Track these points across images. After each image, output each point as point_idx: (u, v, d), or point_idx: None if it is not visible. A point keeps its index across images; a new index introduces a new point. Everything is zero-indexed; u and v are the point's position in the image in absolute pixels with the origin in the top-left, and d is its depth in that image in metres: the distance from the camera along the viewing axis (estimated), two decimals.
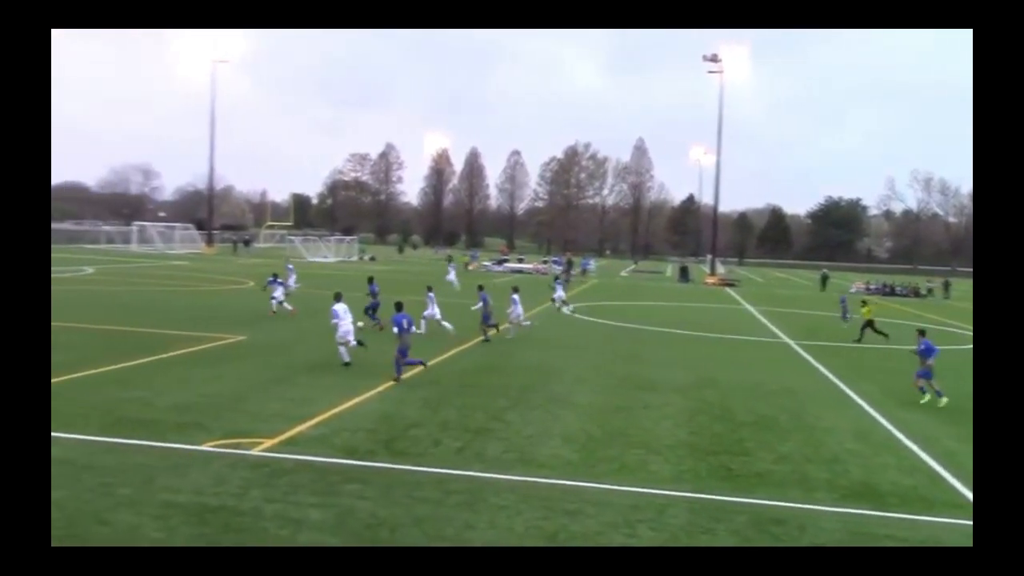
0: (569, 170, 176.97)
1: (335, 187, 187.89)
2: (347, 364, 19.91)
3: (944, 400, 18.55)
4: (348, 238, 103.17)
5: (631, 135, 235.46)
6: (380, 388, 17.52)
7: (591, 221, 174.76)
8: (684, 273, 78.36)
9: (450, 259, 49.52)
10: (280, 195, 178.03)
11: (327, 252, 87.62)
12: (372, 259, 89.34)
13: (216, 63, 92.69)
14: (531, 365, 21.76)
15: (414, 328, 20.22)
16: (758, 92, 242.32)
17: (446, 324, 27.02)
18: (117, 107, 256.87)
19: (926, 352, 19.07)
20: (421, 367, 19.41)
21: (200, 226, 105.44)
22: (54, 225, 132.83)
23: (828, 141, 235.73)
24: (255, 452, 12.23)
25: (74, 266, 54.49)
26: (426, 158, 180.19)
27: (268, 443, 12.73)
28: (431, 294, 28.75)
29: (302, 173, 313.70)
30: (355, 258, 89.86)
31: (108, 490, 10.18)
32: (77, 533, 8.75)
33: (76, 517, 9.21)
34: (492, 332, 26.46)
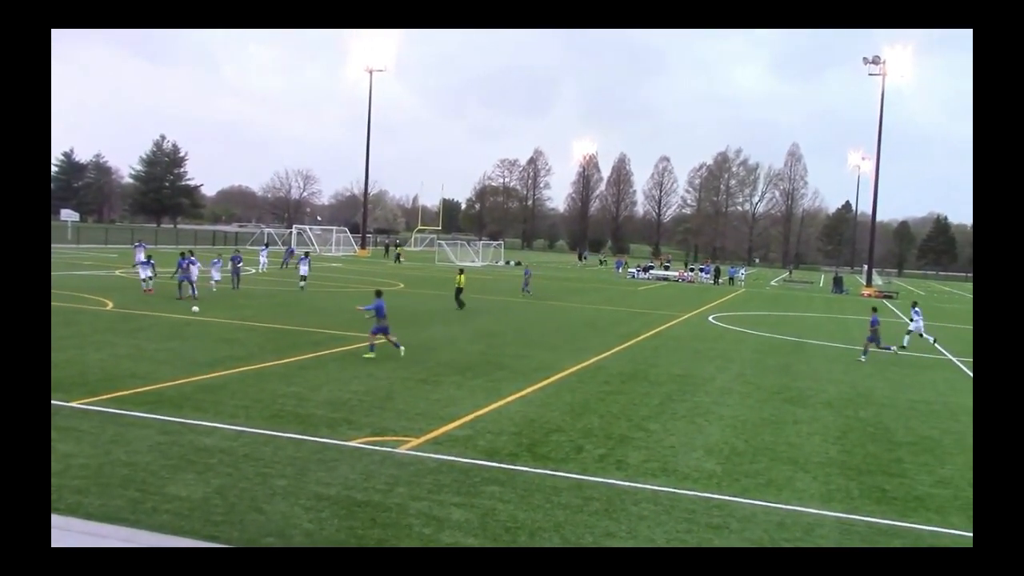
0: (719, 177, 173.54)
1: (484, 192, 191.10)
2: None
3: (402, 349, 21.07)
4: (495, 243, 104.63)
5: (785, 140, 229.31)
6: (524, 392, 17.68)
7: (740, 229, 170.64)
8: (838, 284, 75.38)
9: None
10: (431, 200, 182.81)
11: (475, 257, 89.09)
12: (518, 264, 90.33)
13: (373, 72, 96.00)
14: (676, 374, 21.47)
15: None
16: (924, 95, 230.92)
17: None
18: (283, 114, 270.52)
19: (377, 310, 21.46)
20: None
21: (355, 229, 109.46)
22: (219, 227, 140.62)
23: None
24: (402, 450, 12.58)
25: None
26: (574, 164, 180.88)
27: (414, 442, 13.07)
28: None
29: (453, 178, 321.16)
30: (501, 263, 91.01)
31: (265, 480, 10.70)
32: (234, 520, 9.25)
33: (235, 504, 9.73)
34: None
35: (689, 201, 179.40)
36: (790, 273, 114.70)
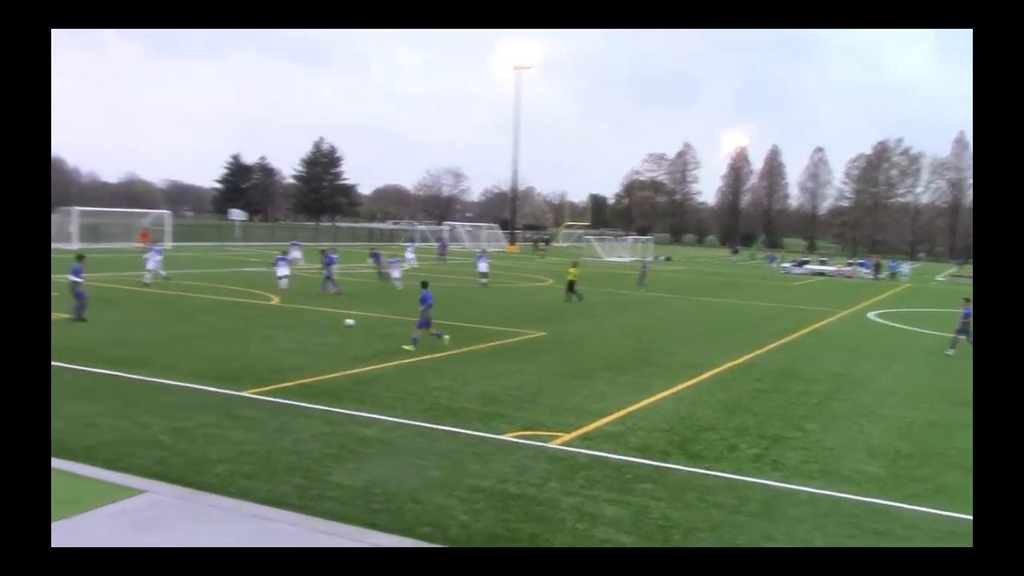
0: (878, 167, 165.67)
1: (632, 187, 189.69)
2: None
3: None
4: (644, 238, 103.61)
5: (950, 129, 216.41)
6: (675, 389, 17.45)
7: (902, 221, 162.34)
8: None
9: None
10: (578, 196, 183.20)
11: (622, 252, 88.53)
12: (667, 259, 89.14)
13: (520, 69, 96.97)
14: (834, 373, 20.66)
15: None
16: None
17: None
18: (434, 114, 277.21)
19: (423, 301, 21.32)
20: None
21: (504, 226, 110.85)
22: (374, 224, 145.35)
23: None
24: (553, 445, 12.66)
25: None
26: (724, 157, 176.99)
27: (565, 437, 13.13)
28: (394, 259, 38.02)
29: (600, 174, 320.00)
30: (649, 258, 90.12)
31: (421, 471, 11.01)
32: (393, 509, 9.56)
33: (394, 494, 10.05)
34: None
35: (846, 193, 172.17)
36: (959, 268, 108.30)
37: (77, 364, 16.81)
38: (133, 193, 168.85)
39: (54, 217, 63.87)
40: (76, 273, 23.65)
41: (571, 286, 35.60)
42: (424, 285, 22.19)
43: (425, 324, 21.26)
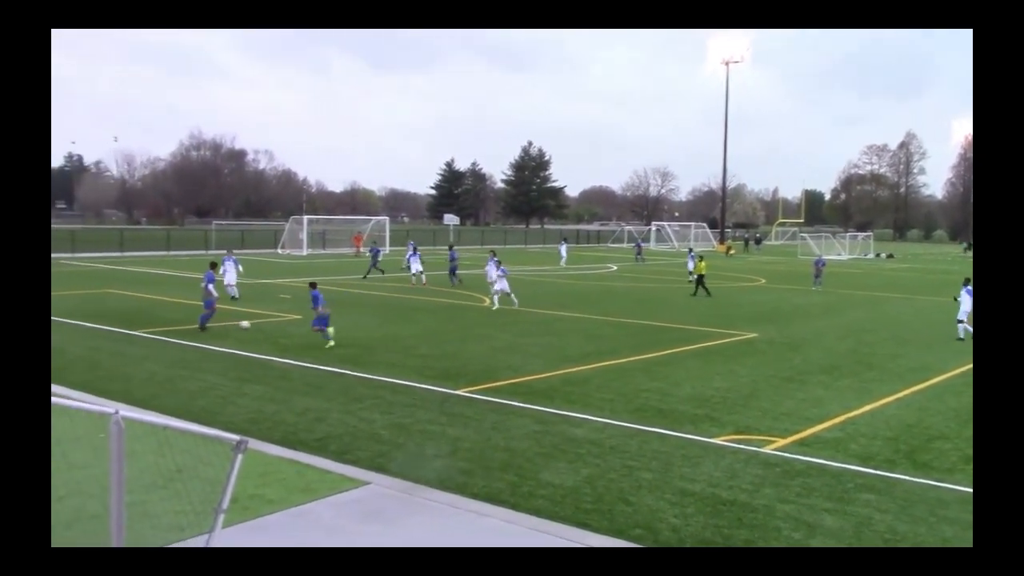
0: None
1: (849, 181, 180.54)
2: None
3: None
4: (863, 234, 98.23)
5: None
6: (899, 394, 16.44)
7: None
8: None
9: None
10: (792, 192, 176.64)
11: (840, 249, 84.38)
12: (890, 256, 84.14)
13: (730, 64, 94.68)
14: None
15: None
16: None
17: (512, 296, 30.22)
18: (642, 113, 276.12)
19: (315, 301, 20.89)
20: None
21: (713, 224, 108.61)
22: (582, 226, 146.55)
23: None
24: (767, 450, 12.27)
25: (601, 263, 59.62)
26: (954, 146, 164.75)
27: (780, 442, 12.69)
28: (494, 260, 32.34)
29: (815, 168, 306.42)
30: (870, 255, 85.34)
31: (631, 472, 10.98)
32: (603, 509, 9.60)
33: (603, 494, 10.09)
34: None
35: None
36: None
37: (307, 362, 18.06)
38: (355, 201, 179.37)
39: (288, 225, 68.97)
40: (210, 281, 23.11)
41: (700, 280, 36.20)
42: (312, 286, 21.71)
43: (321, 321, 20.72)
